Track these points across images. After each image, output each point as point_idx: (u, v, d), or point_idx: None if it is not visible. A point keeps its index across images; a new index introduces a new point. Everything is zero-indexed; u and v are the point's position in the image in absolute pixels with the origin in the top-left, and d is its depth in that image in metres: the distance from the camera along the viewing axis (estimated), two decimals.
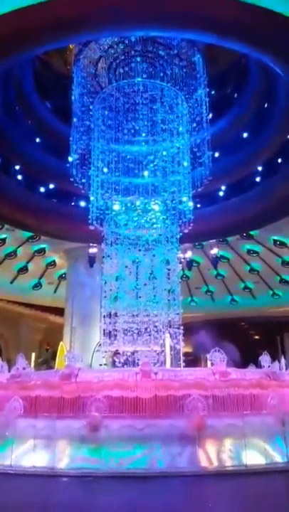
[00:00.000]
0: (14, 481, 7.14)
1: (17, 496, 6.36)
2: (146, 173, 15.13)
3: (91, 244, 20.84)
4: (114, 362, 14.82)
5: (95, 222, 14.54)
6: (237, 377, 9.17)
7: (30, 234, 21.80)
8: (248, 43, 11.28)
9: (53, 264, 25.74)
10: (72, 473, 7.22)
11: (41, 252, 23.93)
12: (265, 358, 10.20)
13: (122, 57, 14.44)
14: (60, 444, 7.65)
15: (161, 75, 14.52)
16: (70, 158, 15.42)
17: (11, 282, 25.54)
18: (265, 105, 17.78)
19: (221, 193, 20.74)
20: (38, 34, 11.04)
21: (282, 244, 23.40)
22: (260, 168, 19.62)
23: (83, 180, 15.10)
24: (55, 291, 27.74)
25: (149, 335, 14.47)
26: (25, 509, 5.75)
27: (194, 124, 14.83)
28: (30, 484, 7.01)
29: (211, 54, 16.44)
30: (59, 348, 21.10)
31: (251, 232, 22.61)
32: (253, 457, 7.56)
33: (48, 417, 8.05)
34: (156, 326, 14.51)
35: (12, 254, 23.36)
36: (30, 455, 7.63)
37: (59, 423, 7.88)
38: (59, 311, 25.37)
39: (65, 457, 7.51)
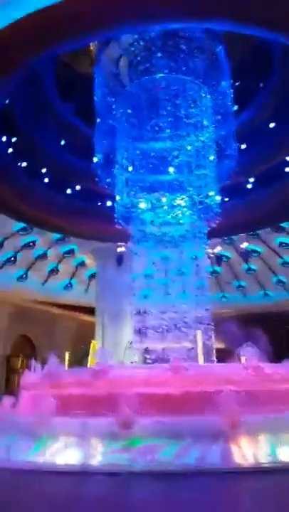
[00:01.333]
0: (47, 478, 7.21)
1: (49, 493, 6.42)
2: (171, 169, 14.99)
3: (119, 244, 20.94)
4: (145, 359, 14.82)
5: (121, 221, 14.56)
6: (270, 371, 8.96)
7: (58, 236, 22.08)
8: (266, 27, 10.95)
9: (82, 264, 26.03)
10: (104, 470, 7.23)
11: (70, 253, 24.24)
12: None
13: (143, 54, 14.35)
14: (92, 441, 7.67)
15: (184, 69, 14.33)
16: (94, 159, 15.50)
17: (43, 283, 26.00)
18: None
19: (249, 186, 20.32)
20: (56, 34, 11.09)
21: None
22: (288, 159, 19.09)
23: (108, 180, 15.15)
24: (86, 291, 28.05)
25: (179, 331, 14.37)
26: (59, 507, 5.79)
27: (219, 117, 14.57)
28: (62, 481, 7.06)
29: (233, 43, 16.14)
30: (91, 346, 21.35)
31: (282, 225, 22.09)
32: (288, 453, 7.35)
33: (80, 414, 8.09)
34: (186, 323, 14.40)
35: (43, 256, 23.75)
36: (62, 453, 7.68)
37: (91, 421, 7.91)
38: (90, 311, 25.64)
39: (97, 454, 7.53)
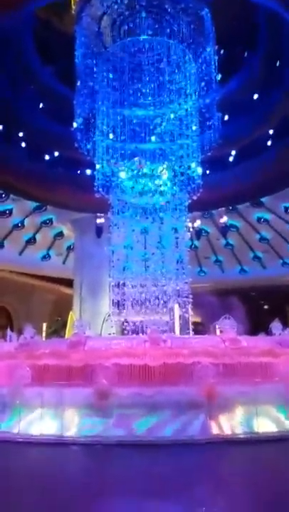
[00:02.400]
0: (22, 449, 7.10)
1: (25, 464, 6.31)
2: (153, 137, 14.54)
3: (98, 214, 20.53)
4: (123, 331, 14.74)
5: (101, 190, 14.12)
6: (248, 345, 8.96)
7: (36, 204, 21.48)
8: None
9: (60, 235, 25.55)
10: (81, 441, 7.15)
11: (48, 222, 23.70)
12: (276, 326, 9.98)
13: (126, 13, 13.62)
14: (69, 412, 7.56)
15: (168, 31, 13.71)
16: (74, 124, 14.86)
17: (20, 254, 25.46)
18: (277, 63, 16.89)
19: (231, 159, 20.06)
20: None
21: None
22: (271, 132, 18.85)
23: (88, 146, 14.58)
24: (64, 262, 27.67)
25: (158, 304, 14.30)
26: (34, 477, 5.68)
27: (203, 84, 14.09)
28: (38, 452, 6.97)
29: (220, 11, 15.53)
30: (69, 317, 21.18)
31: (261, 200, 22.04)
32: (265, 425, 7.41)
33: (55, 385, 7.94)
34: (164, 295, 14.32)
35: (19, 225, 23.15)
36: (38, 423, 7.56)
37: (67, 391, 7.78)
38: (68, 282, 25.36)
39: (73, 425, 7.44)
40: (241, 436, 7.21)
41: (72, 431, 7.42)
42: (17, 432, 7.49)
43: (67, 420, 7.52)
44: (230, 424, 7.33)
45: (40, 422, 7.59)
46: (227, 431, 7.26)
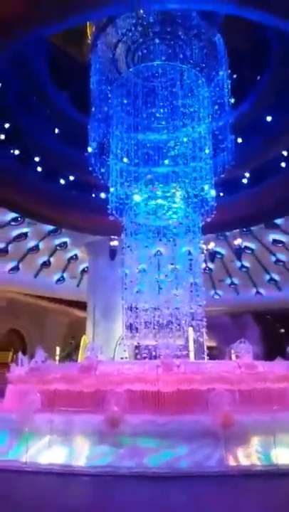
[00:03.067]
0: (30, 478, 6.85)
1: (33, 495, 6.07)
2: (166, 161, 14.61)
3: (112, 237, 20.55)
4: (136, 355, 14.47)
5: (114, 213, 14.14)
6: (264, 370, 8.65)
7: (51, 228, 21.65)
8: (269, 11, 10.56)
9: (75, 257, 25.61)
10: (91, 471, 6.87)
11: (63, 245, 23.81)
12: None
13: (140, 40, 13.91)
14: (78, 440, 7.31)
15: (181, 56, 13.93)
16: (89, 149, 15.05)
17: (35, 276, 25.55)
18: None
19: (245, 181, 20.01)
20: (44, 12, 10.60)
21: None
22: (285, 153, 18.79)
23: (102, 170, 14.71)
24: (78, 285, 27.65)
25: (171, 328, 14.05)
26: (41, 508, 5.44)
27: (216, 107, 14.20)
28: (46, 482, 6.71)
29: (232, 35, 15.79)
30: (82, 341, 20.98)
31: (276, 221, 21.81)
32: (284, 456, 7.03)
33: (65, 411, 7.73)
34: (178, 319, 14.08)
35: (34, 249, 23.30)
36: (46, 451, 7.32)
37: (77, 418, 7.56)
38: (82, 305, 25.26)
39: (82, 454, 7.17)
40: (259, 468, 6.83)
41: (81, 460, 7.15)
42: (25, 461, 7.25)
43: (76, 449, 7.26)
44: (246, 455, 6.97)
45: (49, 450, 7.34)
46: (243, 462, 6.90)
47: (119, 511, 5.40)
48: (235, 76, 16.71)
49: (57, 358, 22.68)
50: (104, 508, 5.49)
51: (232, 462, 6.86)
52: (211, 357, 14.95)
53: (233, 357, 10.35)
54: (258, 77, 18.67)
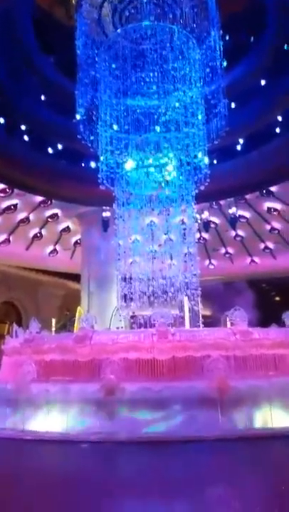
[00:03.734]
0: (28, 446, 6.90)
1: (31, 462, 6.11)
2: (157, 128, 14.21)
3: (104, 208, 20.27)
4: (131, 325, 14.50)
5: (105, 182, 13.83)
6: (259, 336, 8.66)
7: (41, 198, 21.26)
8: None
9: (67, 229, 25.30)
10: (89, 438, 6.93)
11: (54, 217, 23.43)
12: None
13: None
14: (75, 408, 7.34)
15: (170, 16, 13.30)
16: (77, 116, 14.58)
17: (27, 249, 25.30)
18: (285, 47, 16.39)
19: (239, 147, 19.63)
20: None
21: None
22: (280, 118, 18.37)
23: (91, 138, 14.29)
24: (71, 257, 27.49)
25: (166, 298, 14.02)
26: (40, 475, 5.47)
27: (208, 70, 13.70)
28: (45, 450, 6.76)
29: None
30: (77, 312, 21.02)
31: (271, 189, 21.55)
32: (280, 420, 7.11)
33: (61, 381, 7.73)
34: (173, 289, 14.03)
35: (25, 220, 22.94)
36: (44, 420, 7.35)
37: (73, 387, 7.57)
38: (76, 277, 25.19)
39: (80, 423, 7.21)
40: (255, 432, 6.92)
41: (79, 428, 7.19)
42: (22, 430, 7.29)
43: (74, 417, 7.30)
44: (242, 419, 7.04)
45: (47, 418, 7.37)
46: (240, 427, 6.98)
47: (119, 477, 5.43)
48: (227, 38, 16.10)
49: (53, 329, 22.81)
50: (104, 474, 5.52)
51: (228, 426, 6.93)
52: (207, 325, 15.04)
53: (228, 324, 10.37)
54: (252, 39, 18.04)
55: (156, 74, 13.57)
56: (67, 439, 7.01)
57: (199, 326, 14.27)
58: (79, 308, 20.93)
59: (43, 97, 18.91)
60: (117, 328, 15.13)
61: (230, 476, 5.04)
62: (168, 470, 5.39)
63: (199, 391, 7.20)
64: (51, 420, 7.38)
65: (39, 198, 21.31)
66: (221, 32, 13.90)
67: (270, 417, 7.03)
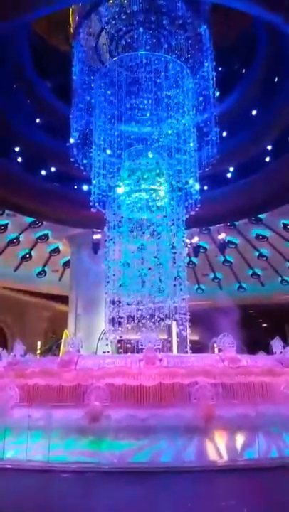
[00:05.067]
0: (8, 475, 6.63)
1: (11, 493, 5.86)
2: (150, 154, 14.42)
3: (95, 230, 20.29)
4: (118, 349, 14.30)
5: (97, 205, 13.90)
6: (247, 363, 8.58)
7: (32, 219, 21.24)
8: (259, 2, 10.39)
9: (56, 251, 25.24)
10: (71, 468, 6.69)
11: (44, 238, 23.40)
12: (277, 344, 9.60)
13: (124, 29, 13.64)
14: (58, 435, 7.11)
15: (166, 46, 13.71)
16: (71, 140, 14.75)
17: (15, 270, 25.10)
18: (275, 79, 16.91)
19: (229, 175, 19.97)
20: None
21: None
22: (269, 148, 18.79)
23: (84, 161, 14.45)
24: (59, 279, 27.30)
25: (154, 322, 13.90)
26: (20, 507, 5.24)
27: (201, 99, 14.05)
28: (25, 480, 6.50)
29: (218, 28, 15.67)
30: (63, 335, 20.71)
31: (260, 216, 21.86)
32: (267, 450, 6.97)
33: (45, 406, 7.51)
34: (161, 313, 13.93)
35: (14, 241, 22.85)
36: (25, 447, 7.10)
37: (57, 413, 7.35)
38: (64, 299, 24.96)
39: (62, 450, 6.98)
40: (241, 463, 6.76)
41: (61, 456, 6.95)
42: (1, 458, 7.02)
43: (56, 445, 7.06)
44: (229, 449, 6.88)
45: (28, 446, 7.12)
46: (226, 457, 6.81)
47: (102, 509, 5.24)
48: (220, 69, 16.59)
49: (38, 352, 22.38)
50: (86, 505, 5.32)
51: (214, 457, 6.76)
52: (195, 351, 14.89)
53: (216, 350, 10.28)
54: (244, 71, 18.61)
55: (150, 101, 13.88)
56: (49, 469, 6.76)
57: (187, 351, 14.12)
58: (65, 331, 20.64)
59: (38, 120, 19.13)
60: (104, 352, 14.90)
61: (216, 508, 4.88)
62: (153, 501, 5.21)
63: (186, 419, 7.05)
64: (33, 447, 7.13)
65: (29, 219, 21.30)
66: (214, 63, 14.35)
67: (258, 447, 6.89)
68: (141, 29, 13.43)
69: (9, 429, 7.33)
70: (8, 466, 6.95)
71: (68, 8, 15.92)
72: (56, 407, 7.58)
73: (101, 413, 7.09)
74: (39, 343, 25.02)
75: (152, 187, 13.93)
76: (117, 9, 13.45)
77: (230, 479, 6.27)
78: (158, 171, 14.30)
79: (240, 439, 7.00)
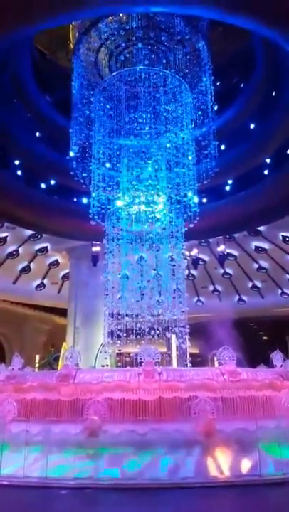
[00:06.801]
0: (5, 492, 6.51)
1: (7, 510, 5.74)
2: (149, 168, 14.51)
3: (94, 243, 20.29)
4: (117, 362, 14.17)
5: (96, 218, 13.94)
6: (248, 377, 8.50)
7: (31, 232, 21.27)
8: (256, 16, 10.53)
9: (55, 263, 25.21)
10: (70, 484, 6.57)
11: (43, 251, 23.39)
12: (277, 357, 9.53)
13: (123, 45, 13.84)
14: (56, 451, 7.00)
15: (164, 62, 13.91)
16: (71, 153, 14.86)
17: (14, 283, 25.03)
18: (273, 94, 17.09)
19: (228, 188, 20.08)
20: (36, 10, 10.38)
21: None
22: (268, 161, 18.92)
23: (84, 174, 14.54)
24: (58, 292, 27.22)
25: (153, 336, 13.82)
26: None
27: (199, 113, 14.20)
28: (22, 496, 6.38)
29: (216, 45, 15.93)
30: (62, 348, 20.57)
31: (259, 229, 21.90)
32: (268, 466, 6.85)
33: (43, 421, 7.42)
34: (161, 326, 13.86)
35: (14, 254, 22.83)
36: (23, 463, 6.98)
37: (55, 428, 7.26)
38: (63, 312, 24.85)
39: (61, 466, 6.86)
40: (242, 479, 6.64)
41: (59, 472, 6.83)
42: None
43: (54, 460, 6.95)
44: (229, 465, 6.77)
45: (25, 462, 7.01)
46: (226, 473, 6.70)
47: None
48: (218, 83, 16.80)
49: (36, 366, 22.20)
50: None
51: (214, 473, 6.65)
52: (194, 364, 14.79)
53: (216, 364, 10.19)
54: (242, 85, 18.82)
55: (148, 115, 14.03)
56: (47, 485, 6.64)
57: (187, 364, 14.02)
58: (64, 344, 20.50)
59: (38, 134, 19.29)
60: (103, 365, 14.78)
61: None
62: None
63: (186, 434, 6.96)
64: (30, 463, 7.01)
65: (29, 232, 21.32)
66: (213, 78, 14.53)
67: (258, 463, 6.78)
68: (140, 45, 13.64)
69: (6, 444, 7.22)
70: (5, 483, 6.82)
71: (68, 25, 16.23)
72: (54, 421, 7.50)
73: (100, 428, 7.00)
74: (37, 357, 24.84)
75: (151, 199, 13.93)
76: (116, 26, 13.66)
77: (231, 495, 6.16)
78: (157, 183, 14.37)
79: (240, 454, 6.89)
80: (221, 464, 6.72)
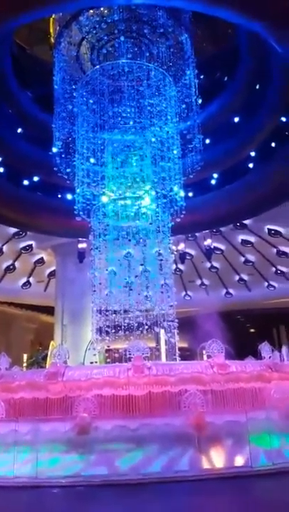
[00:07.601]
0: None
1: None
2: (134, 161, 14.39)
3: (80, 239, 20.13)
4: (106, 359, 14.11)
5: (81, 214, 13.79)
6: (237, 369, 8.52)
7: (15, 230, 20.98)
8: (239, 9, 10.46)
9: (41, 261, 24.97)
10: (60, 482, 6.49)
11: (28, 249, 23.13)
12: (265, 348, 9.59)
13: (105, 38, 13.67)
14: (46, 449, 6.91)
15: (147, 55, 13.78)
16: (54, 149, 14.65)
17: None
18: (257, 87, 17.08)
19: (214, 182, 20.09)
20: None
21: (277, 233, 22.84)
22: (253, 154, 18.97)
23: (68, 170, 14.35)
24: (45, 290, 27.01)
25: (142, 331, 13.78)
26: None
27: (184, 107, 14.12)
28: (12, 497, 6.28)
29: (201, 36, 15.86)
30: (50, 346, 20.42)
31: (245, 222, 22.00)
32: (258, 457, 6.88)
33: (32, 420, 7.32)
34: (149, 321, 13.83)
35: None
36: (12, 463, 6.87)
37: (44, 426, 7.16)
38: (50, 310, 24.66)
39: (51, 465, 6.77)
40: (234, 470, 6.65)
41: (50, 471, 6.75)
42: None
43: (44, 459, 6.86)
44: (221, 457, 6.78)
45: (15, 462, 6.90)
46: (218, 465, 6.71)
47: None
48: (202, 77, 16.73)
49: (24, 365, 22.02)
50: None
51: (207, 465, 6.65)
52: (183, 358, 14.81)
53: (205, 357, 10.22)
54: (226, 78, 18.79)
55: (132, 109, 13.89)
56: (38, 484, 6.55)
57: (176, 358, 14.03)
58: (52, 342, 20.35)
59: (19, 130, 18.98)
60: (91, 362, 14.70)
61: None
62: None
63: (176, 428, 6.94)
64: (19, 463, 6.91)
65: (13, 230, 21.04)
66: (196, 71, 14.46)
67: (249, 454, 6.79)
68: (122, 38, 13.46)
69: None
70: None
71: (49, 18, 15.95)
72: (44, 420, 7.40)
73: (90, 425, 6.93)
74: (25, 356, 24.63)
75: (137, 194, 13.83)
76: (98, 19, 13.46)
77: (223, 488, 6.16)
78: (142, 177, 14.28)
79: (231, 446, 6.91)
80: (213, 456, 6.72)
